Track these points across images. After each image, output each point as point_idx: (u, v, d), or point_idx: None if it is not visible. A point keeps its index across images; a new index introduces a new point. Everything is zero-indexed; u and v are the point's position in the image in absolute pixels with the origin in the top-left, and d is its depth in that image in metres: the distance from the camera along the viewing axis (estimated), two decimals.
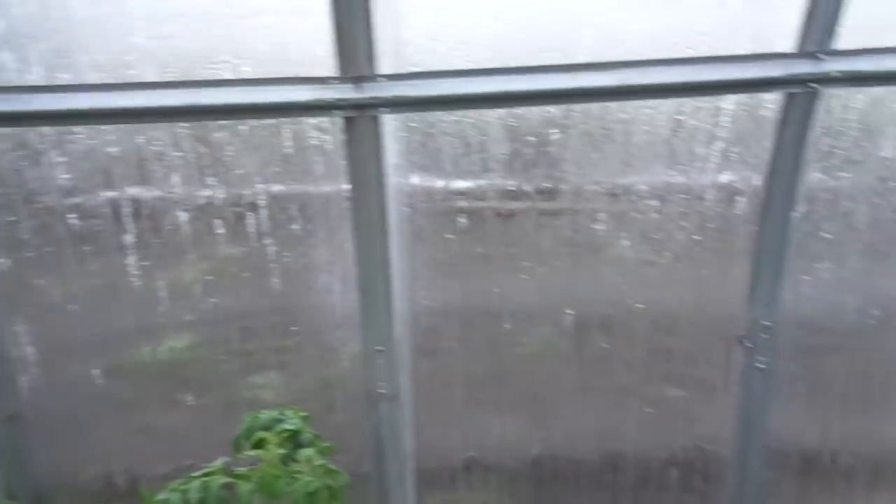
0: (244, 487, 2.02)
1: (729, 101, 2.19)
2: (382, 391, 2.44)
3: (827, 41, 2.07)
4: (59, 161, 2.12)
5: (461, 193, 2.31)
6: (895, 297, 2.53)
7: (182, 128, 2.11)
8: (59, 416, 2.44)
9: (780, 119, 2.19)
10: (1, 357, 2.32)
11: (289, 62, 2.03)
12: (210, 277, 2.33)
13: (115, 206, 2.21)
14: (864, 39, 2.09)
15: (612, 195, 2.34)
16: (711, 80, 2.08)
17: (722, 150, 2.26)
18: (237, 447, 2.21)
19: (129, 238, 2.22)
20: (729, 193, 2.35)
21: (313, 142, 2.15)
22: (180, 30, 1.94)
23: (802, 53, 2.07)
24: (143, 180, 2.17)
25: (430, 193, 2.30)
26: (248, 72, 2.02)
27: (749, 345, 2.51)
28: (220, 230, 2.28)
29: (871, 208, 2.39)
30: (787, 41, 2.08)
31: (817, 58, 2.07)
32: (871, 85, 2.16)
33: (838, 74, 2.08)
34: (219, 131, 2.13)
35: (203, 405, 2.55)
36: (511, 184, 2.29)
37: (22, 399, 2.38)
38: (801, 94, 2.12)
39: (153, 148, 2.12)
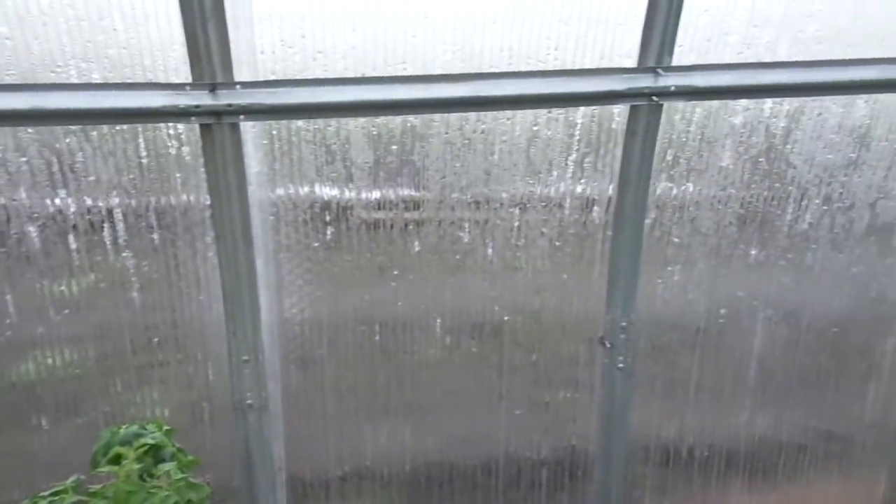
0: None
1: (580, 114, 2.31)
2: (250, 402, 2.41)
3: (665, 58, 2.22)
4: None
5: (326, 202, 2.32)
6: (740, 297, 2.72)
7: (27, 133, 2.02)
8: None
9: (627, 130, 2.33)
10: None
11: (140, 67, 1.99)
12: (63, 289, 2.23)
13: None
14: (698, 57, 2.27)
15: (476, 203, 2.41)
16: (560, 93, 2.19)
17: (576, 160, 2.38)
18: (94, 464, 2.13)
19: None
20: (585, 202, 2.47)
21: (171, 150, 2.11)
22: (20, 32, 1.87)
23: (642, 69, 2.22)
24: None
25: (294, 202, 2.30)
26: (96, 77, 1.96)
27: (609, 345, 2.63)
28: (74, 242, 2.19)
29: (714, 214, 2.56)
30: (629, 59, 2.22)
31: (657, 73, 2.22)
32: (706, 99, 2.34)
33: (675, 89, 2.24)
34: (69, 137, 2.06)
35: (63, 425, 2.44)
36: (375, 193, 2.32)
37: None
38: (645, 106, 2.26)
39: None
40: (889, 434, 2.99)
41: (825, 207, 2.63)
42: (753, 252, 2.63)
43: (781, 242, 2.65)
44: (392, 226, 2.39)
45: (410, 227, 2.40)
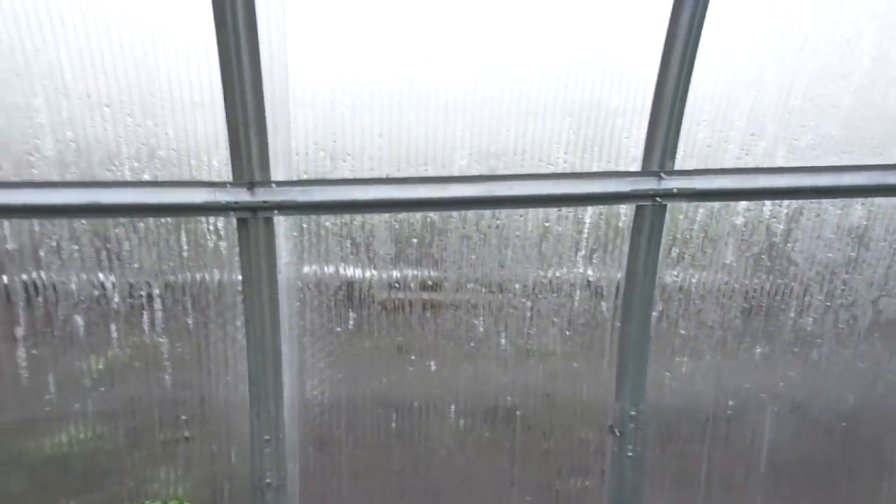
0: None
1: (589, 212, 2.47)
2: (269, 481, 2.50)
3: (668, 162, 2.39)
4: None
5: (350, 290, 2.47)
6: (747, 388, 2.79)
7: (81, 224, 2.22)
8: None
9: (633, 227, 2.48)
10: None
11: (188, 167, 2.20)
12: (101, 367, 2.38)
13: (7, 294, 2.27)
14: (698, 161, 2.43)
15: (490, 292, 2.55)
16: (569, 194, 2.36)
17: (585, 255, 2.52)
18: None
19: (20, 329, 2.28)
20: (594, 293, 2.60)
21: (210, 241, 2.29)
22: (83, 135, 2.10)
23: (646, 172, 2.39)
24: (38, 270, 2.25)
25: (320, 289, 2.45)
26: (147, 176, 2.18)
27: (619, 433, 2.70)
28: (114, 324, 2.36)
29: (719, 308, 2.67)
30: (635, 163, 2.39)
31: (660, 176, 2.39)
32: (706, 200, 2.49)
33: (677, 191, 2.39)
34: (118, 227, 2.26)
35: (90, 497, 2.54)
36: (396, 282, 2.47)
37: None
38: (649, 206, 2.42)
39: (50, 242, 2.22)
40: None
41: (828, 303, 2.72)
42: (759, 346, 2.72)
43: (786, 336, 2.73)
44: (411, 312, 2.53)
45: (428, 314, 2.54)
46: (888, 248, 2.68)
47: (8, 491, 2.50)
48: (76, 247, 2.27)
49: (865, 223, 2.65)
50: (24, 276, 2.23)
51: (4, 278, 2.22)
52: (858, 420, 2.87)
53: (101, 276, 2.28)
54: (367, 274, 2.47)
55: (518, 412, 2.69)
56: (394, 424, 2.62)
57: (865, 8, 2.30)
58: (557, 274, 2.53)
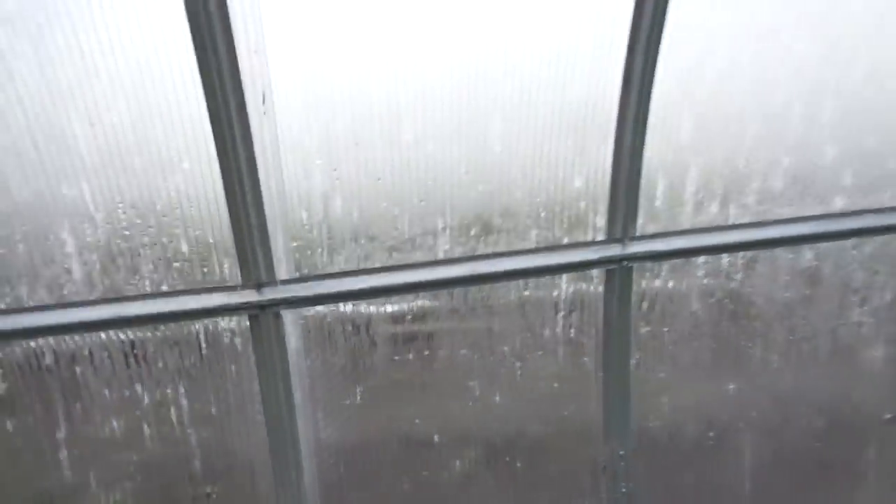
0: None
1: (564, 278, 2.73)
2: None
3: (630, 229, 2.66)
4: None
5: (354, 366, 2.73)
6: (724, 420, 3.05)
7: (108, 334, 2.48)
8: None
9: (605, 288, 2.74)
10: None
11: (200, 273, 2.47)
12: (136, 459, 2.63)
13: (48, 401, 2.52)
14: (657, 226, 2.71)
15: (482, 356, 2.81)
16: (543, 266, 2.63)
17: (564, 315, 2.79)
18: None
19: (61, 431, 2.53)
20: (576, 349, 2.86)
21: (226, 338, 2.55)
22: (108, 256, 2.36)
23: (611, 240, 2.66)
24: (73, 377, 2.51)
25: (327, 368, 2.71)
26: (165, 287, 2.44)
27: (611, 472, 2.95)
28: (144, 422, 2.61)
29: (691, 350, 2.93)
30: (601, 232, 2.66)
31: (624, 243, 2.66)
32: (668, 259, 2.75)
33: (641, 254, 2.67)
34: (144, 332, 2.52)
35: None
36: (395, 357, 2.73)
37: None
38: (617, 269, 2.69)
39: (83, 352, 2.48)
40: None
41: (790, 337, 2.99)
42: (731, 383, 2.98)
43: (755, 370, 3.00)
44: (410, 385, 2.79)
45: (426, 381, 2.79)
46: (838, 283, 2.95)
47: None
48: (106, 353, 2.52)
49: (815, 263, 2.92)
50: (62, 384, 2.49)
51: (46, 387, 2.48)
52: (829, 439, 3.13)
53: (130, 377, 2.53)
54: (368, 353, 2.72)
55: (516, 459, 2.94)
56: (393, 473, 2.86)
57: (794, 83, 2.58)
58: (541, 335, 2.79)
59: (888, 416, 3.18)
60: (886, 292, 3.00)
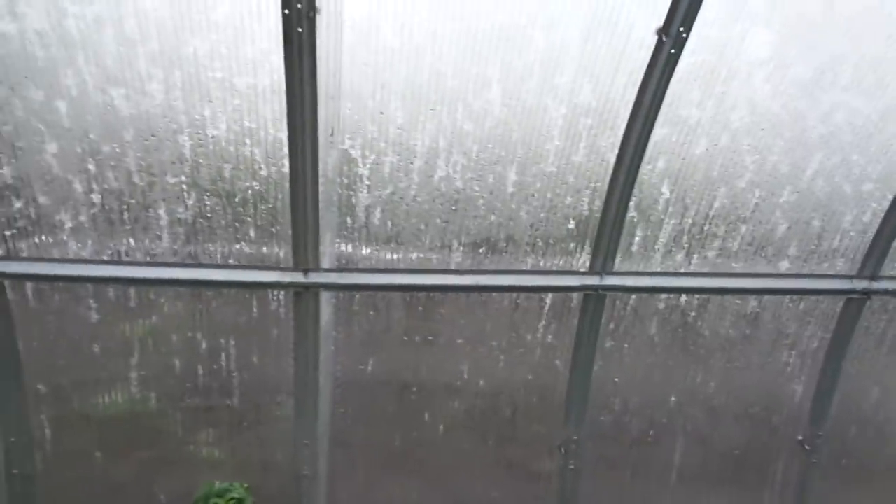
0: None
1: (549, 297, 3.36)
2: (306, 473, 3.47)
3: (609, 264, 3.28)
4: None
5: (373, 337, 3.39)
6: (663, 423, 3.73)
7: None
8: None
9: (581, 309, 3.38)
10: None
11: (260, 256, 3.10)
12: (190, 403, 3.32)
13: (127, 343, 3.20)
14: (631, 265, 3.32)
15: (473, 347, 3.46)
16: (534, 285, 3.27)
17: (545, 324, 3.43)
18: None
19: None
20: (551, 352, 3.51)
21: (273, 305, 3.21)
22: (186, 231, 3.00)
23: (591, 272, 3.28)
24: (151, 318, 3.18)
25: (348, 336, 3.37)
26: (232, 261, 3.08)
27: (564, 451, 3.65)
28: (202, 371, 3.28)
29: (643, 368, 3.59)
30: (585, 265, 3.29)
31: (601, 275, 3.28)
32: (635, 293, 3.38)
33: (614, 286, 3.29)
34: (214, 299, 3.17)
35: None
36: (406, 338, 3.39)
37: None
38: (593, 296, 3.32)
39: (159, 300, 3.14)
40: None
41: (728, 365, 3.64)
42: (673, 395, 3.65)
43: (695, 387, 3.66)
44: (413, 359, 3.45)
45: (426, 360, 3.46)
46: (773, 328, 3.59)
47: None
48: (179, 303, 3.18)
49: (758, 310, 3.55)
50: (143, 324, 3.16)
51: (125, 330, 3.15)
52: (747, 449, 3.82)
53: (194, 326, 3.20)
54: (385, 333, 3.38)
55: (492, 422, 3.63)
56: (400, 428, 3.57)
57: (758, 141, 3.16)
58: (524, 338, 3.45)
59: (799, 437, 3.86)
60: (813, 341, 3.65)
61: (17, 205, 2.84)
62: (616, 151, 2.99)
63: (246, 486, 3.40)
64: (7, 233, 2.89)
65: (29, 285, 3.03)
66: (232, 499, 3.38)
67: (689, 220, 3.28)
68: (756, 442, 3.85)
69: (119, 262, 3.03)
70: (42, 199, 2.84)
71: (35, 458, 3.31)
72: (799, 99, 3.00)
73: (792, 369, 3.73)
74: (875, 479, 3.96)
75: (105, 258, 3.02)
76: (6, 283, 2.98)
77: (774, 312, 3.56)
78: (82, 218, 2.91)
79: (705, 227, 3.31)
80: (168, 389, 3.33)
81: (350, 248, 3.17)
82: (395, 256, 3.21)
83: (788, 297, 3.53)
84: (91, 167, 2.80)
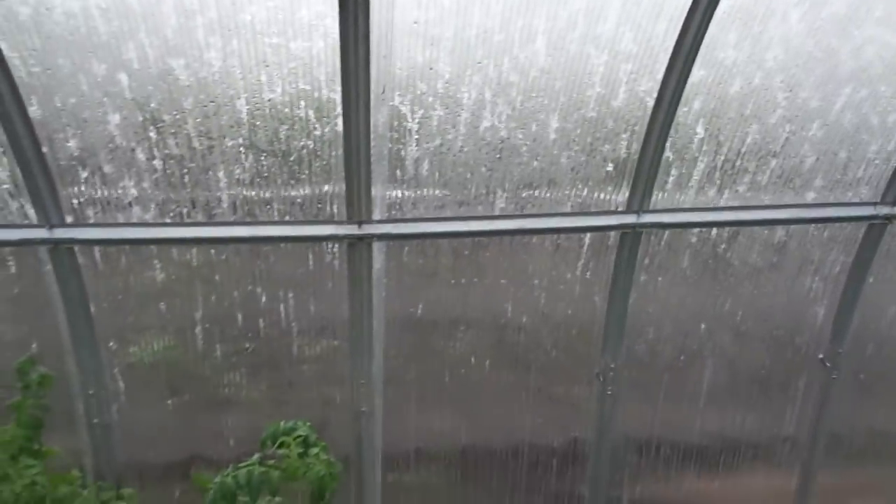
0: (274, 474, 3.20)
1: (588, 236, 3.52)
2: (364, 409, 3.71)
3: (645, 202, 3.43)
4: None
5: (420, 283, 3.57)
6: (693, 348, 3.97)
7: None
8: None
9: (619, 246, 3.55)
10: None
11: (314, 209, 3.24)
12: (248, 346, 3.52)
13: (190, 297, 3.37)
14: (667, 202, 3.47)
15: (517, 286, 3.65)
16: (575, 226, 3.42)
17: (584, 262, 3.61)
18: (263, 446, 3.44)
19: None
20: (590, 287, 3.70)
21: (328, 257, 3.37)
22: (245, 191, 3.13)
23: (629, 210, 3.43)
24: (212, 277, 3.34)
25: (398, 281, 3.54)
26: (289, 218, 3.22)
27: (602, 378, 3.90)
28: (262, 322, 3.46)
29: (676, 298, 3.79)
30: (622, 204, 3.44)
31: (638, 214, 3.44)
32: (671, 229, 3.54)
33: (650, 224, 3.46)
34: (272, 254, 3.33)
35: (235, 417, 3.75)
36: (453, 281, 3.57)
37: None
38: (630, 234, 3.49)
39: (220, 256, 3.30)
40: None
41: (755, 292, 3.85)
42: (703, 322, 3.87)
43: (724, 314, 3.88)
44: (460, 299, 3.65)
45: (471, 300, 3.65)
46: (799, 255, 3.78)
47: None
48: (238, 259, 3.34)
49: (785, 238, 3.73)
50: (204, 281, 3.32)
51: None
52: (771, 367, 4.08)
53: (254, 279, 3.37)
54: (432, 277, 3.56)
55: (533, 353, 3.86)
56: (447, 366, 3.80)
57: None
58: (564, 276, 3.63)
59: (820, 355, 4.11)
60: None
61: (84, 174, 2.96)
62: (655, 95, 3.09)
63: (309, 423, 3.64)
64: (75, 201, 3.02)
65: (97, 249, 3.18)
66: (298, 436, 3.62)
67: (722, 157, 3.41)
68: (780, 362, 4.10)
69: (181, 224, 3.16)
70: (107, 168, 2.95)
71: (111, 409, 3.54)
72: (833, 35, 3.08)
73: (815, 293, 3.94)
74: (891, 391, 4.24)
75: (168, 220, 3.15)
76: (76, 248, 3.12)
77: (800, 240, 3.74)
78: (145, 184, 3.03)
79: (737, 163, 3.44)
80: (231, 340, 3.53)
81: (400, 198, 3.31)
82: (442, 205, 3.35)
83: (814, 225, 3.70)
84: (152, 135, 2.90)
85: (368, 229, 3.27)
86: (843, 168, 3.53)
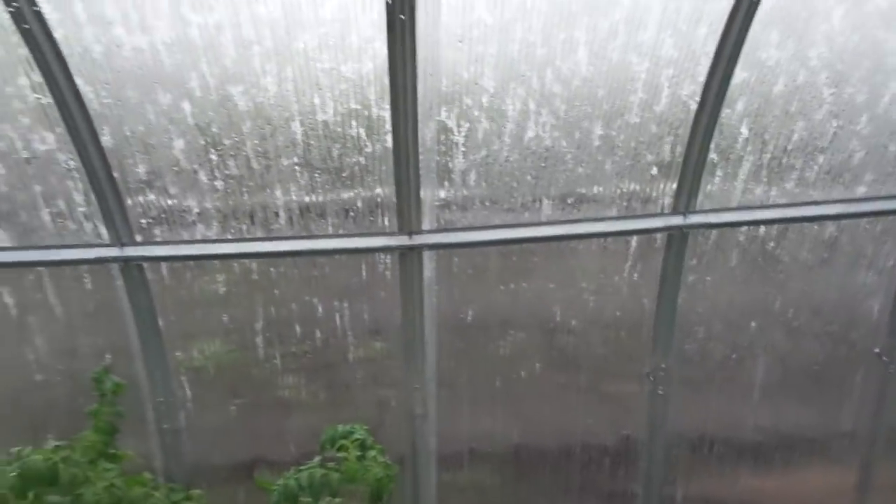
0: (334, 476, 3.32)
1: (634, 238, 3.57)
2: (419, 412, 3.83)
3: (692, 202, 3.46)
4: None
5: (469, 286, 3.66)
6: (744, 347, 3.97)
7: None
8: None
9: (666, 248, 3.59)
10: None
11: (366, 221, 3.36)
12: (299, 348, 3.67)
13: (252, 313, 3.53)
14: (713, 203, 3.49)
15: (565, 290, 3.71)
16: (621, 230, 3.47)
17: (631, 265, 3.65)
18: (322, 449, 3.57)
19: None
20: (637, 289, 3.74)
21: (381, 267, 3.49)
22: (300, 207, 3.27)
23: (675, 212, 3.47)
24: (271, 291, 3.50)
25: (449, 287, 3.64)
26: (342, 231, 3.35)
27: (652, 378, 3.93)
28: (319, 332, 3.61)
29: (724, 297, 3.81)
30: (668, 206, 3.47)
31: (684, 215, 3.47)
32: (718, 228, 3.56)
33: (697, 224, 3.48)
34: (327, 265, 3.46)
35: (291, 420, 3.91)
36: (502, 287, 3.66)
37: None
38: (677, 234, 3.52)
39: (279, 269, 3.45)
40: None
41: (806, 288, 3.83)
42: (753, 320, 3.87)
43: (774, 311, 3.87)
44: (509, 303, 3.73)
45: (519, 305, 3.73)
46: (850, 249, 3.75)
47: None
48: (296, 270, 3.49)
49: (836, 234, 3.71)
50: (264, 293, 3.48)
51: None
52: (825, 365, 4.05)
53: (310, 291, 3.51)
54: (478, 284, 3.65)
55: (583, 354, 3.93)
56: (498, 371, 3.88)
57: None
58: (612, 280, 3.68)
59: (876, 350, 4.07)
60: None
61: (151, 196, 3.14)
62: (697, 99, 3.12)
63: (366, 427, 3.78)
64: (143, 221, 3.21)
65: (164, 265, 3.37)
66: (356, 439, 3.75)
67: (768, 155, 3.42)
68: (834, 357, 4.06)
69: (241, 239, 3.33)
70: (172, 189, 3.13)
71: (179, 414, 3.73)
72: (878, 28, 3.07)
73: (869, 287, 3.90)
74: None
75: (229, 236, 3.32)
76: (145, 265, 3.32)
77: (852, 235, 3.71)
78: (207, 203, 3.20)
79: (783, 161, 3.44)
80: (290, 346, 3.68)
81: (448, 209, 3.41)
82: (489, 213, 3.44)
83: (866, 219, 3.67)
84: (214, 157, 3.06)
85: (419, 240, 3.38)
86: (894, 161, 3.49)
